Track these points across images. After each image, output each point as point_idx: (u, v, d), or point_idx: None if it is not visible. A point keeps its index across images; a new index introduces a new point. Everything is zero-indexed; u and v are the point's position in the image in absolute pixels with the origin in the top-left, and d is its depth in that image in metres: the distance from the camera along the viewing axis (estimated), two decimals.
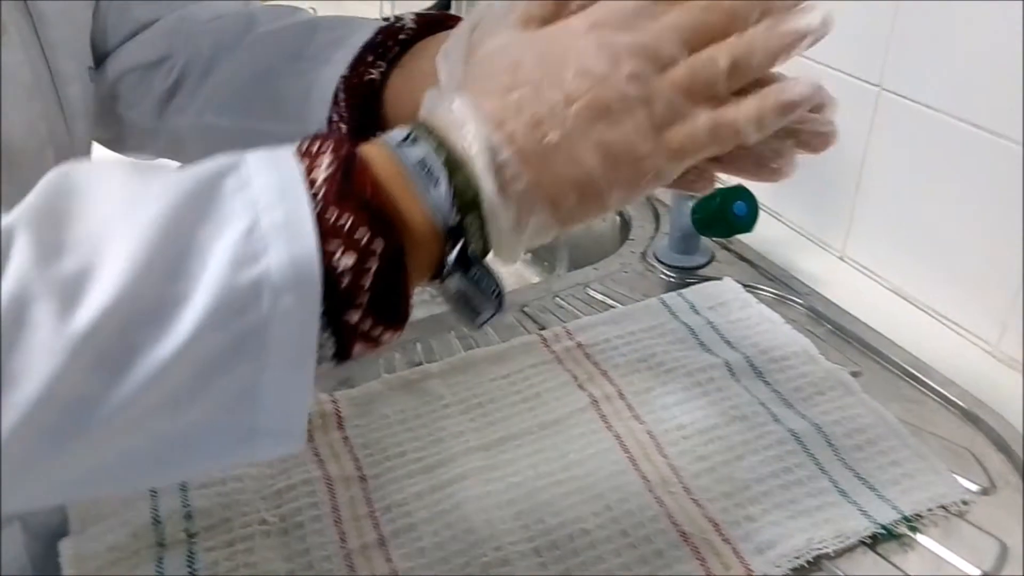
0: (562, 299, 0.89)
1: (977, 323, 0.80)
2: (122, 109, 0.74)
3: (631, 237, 1.00)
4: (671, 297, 0.87)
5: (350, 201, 0.40)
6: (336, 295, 0.39)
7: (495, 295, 0.45)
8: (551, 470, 0.67)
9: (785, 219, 1.00)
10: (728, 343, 0.80)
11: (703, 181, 0.50)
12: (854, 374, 0.76)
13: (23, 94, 0.60)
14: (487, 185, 0.42)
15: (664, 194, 1.03)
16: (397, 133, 0.44)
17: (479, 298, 0.45)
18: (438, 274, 0.44)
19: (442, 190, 0.42)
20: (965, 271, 0.81)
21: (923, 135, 0.81)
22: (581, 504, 0.64)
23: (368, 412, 0.73)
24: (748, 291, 0.87)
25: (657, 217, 1.03)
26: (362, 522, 0.63)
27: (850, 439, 0.69)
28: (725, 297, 0.86)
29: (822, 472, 0.66)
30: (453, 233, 0.43)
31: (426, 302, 1.16)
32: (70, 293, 0.35)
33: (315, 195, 0.40)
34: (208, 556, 0.60)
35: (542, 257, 1.21)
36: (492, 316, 0.46)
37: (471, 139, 0.42)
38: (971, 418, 0.72)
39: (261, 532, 0.62)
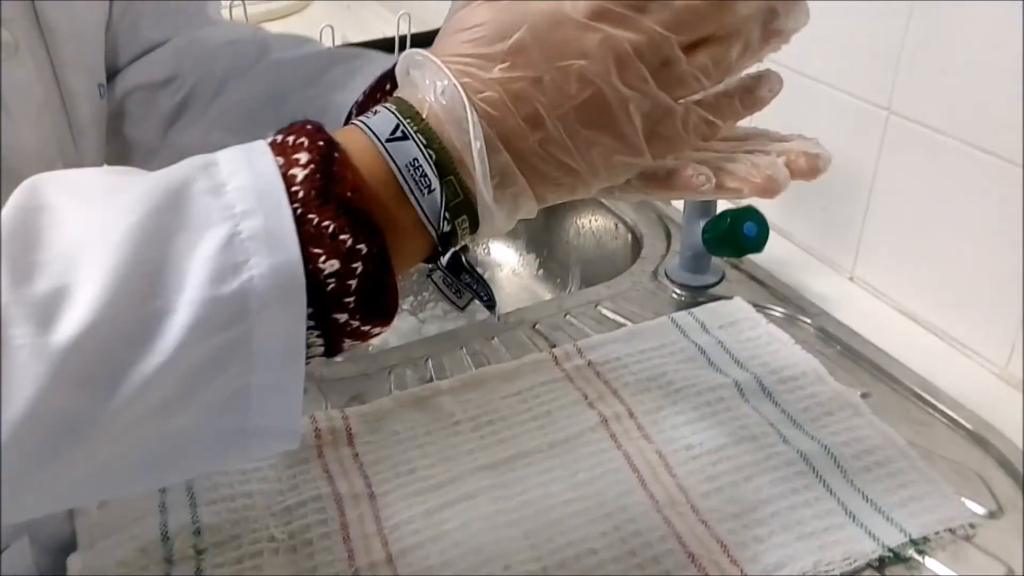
0: (573, 317, 0.89)
1: (986, 346, 0.80)
2: (127, 127, 0.75)
3: (642, 256, 1.00)
4: (681, 316, 0.87)
5: (331, 204, 0.39)
6: (322, 298, 0.39)
7: (485, 298, 0.45)
8: (560, 489, 0.67)
9: (795, 240, 1.00)
10: (738, 363, 0.80)
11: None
12: (863, 395, 0.76)
13: (34, 111, 0.61)
14: (485, 194, 0.42)
15: (676, 213, 1.03)
16: (382, 123, 0.42)
17: (466, 290, 0.45)
18: (430, 260, 0.44)
19: (436, 197, 0.41)
20: (974, 293, 0.81)
21: (932, 158, 0.81)
22: (589, 524, 0.64)
23: (379, 429, 0.73)
24: (758, 311, 0.87)
25: (668, 236, 1.03)
26: (371, 540, 0.63)
27: (858, 460, 0.69)
28: (735, 316, 0.86)
29: (830, 494, 0.66)
30: (443, 237, 0.42)
31: (438, 317, 1.17)
32: (47, 314, 0.35)
33: (294, 197, 0.39)
34: (216, 572, 0.61)
35: (554, 274, 1.21)
36: (472, 300, 0.46)
37: (469, 140, 0.41)
38: (980, 441, 0.72)
39: (270, 549, 0.62)
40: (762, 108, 0.46)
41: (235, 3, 1.28)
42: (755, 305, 0.88)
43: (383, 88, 0.62)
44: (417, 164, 0.41)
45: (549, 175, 0.43)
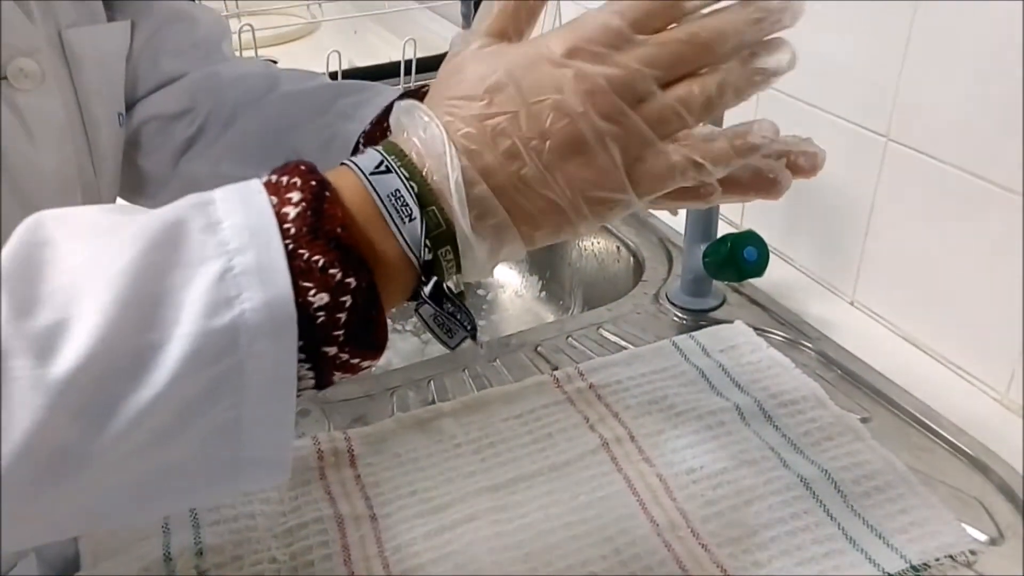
0: (575, 339, 0.90)
1: (986, 371, 0.81)
2: (140, 157, 0.76)
3: (644, 279, 1.01)
4: (683, 339, 0.87)
5: (321, 239, 0.40)
6: (312, 331, 0.40)
7: (468, 328, 0.46)
8: (561, 512, 0.67)
9: (796, 264, 1.00)
10: (738, 386, 0.80)
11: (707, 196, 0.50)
12: (863, 420, 0.76)
13: (57, 137, 0.62)
14: (463, 223, 0.43)
15: (677, 237, 1.04)
16: (368, 159, 0.44)
17: (453, 324, 0.46)
18: (415, 297, 0.45)
19: (416, 225, 0.42)
20: (973, 319, 0.81)
21: (930, 185, 0.82)
22: (589, 547, 0.64)
23: (381, 450, 0.74)
24: (759, 335, 0.87)
25: (670, 259, 1.04)
26: (372, 561, 0.64)
27: (859, 486, 0.69)
28: (736, 340, 0.87)
29: (830, 519, 0.66)
30: (427, 267, 0.43)
31: None
32: (45, 347, 0.36)
33: (286, 233, 0.40)
34: None
35: (556, 296, 1.22)
36: (464, 340, 0.46)
37: (447, 172, 0.43)
38: (980, 467, 0.72)
39: (271, 570, 0.63)
40: (756, 153, 0.46)
41: (244, 28, 1.29)
42: (756, 329, 0.88)
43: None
44: (399, 194, 0.43)
45: (531, 211, 0.44)
